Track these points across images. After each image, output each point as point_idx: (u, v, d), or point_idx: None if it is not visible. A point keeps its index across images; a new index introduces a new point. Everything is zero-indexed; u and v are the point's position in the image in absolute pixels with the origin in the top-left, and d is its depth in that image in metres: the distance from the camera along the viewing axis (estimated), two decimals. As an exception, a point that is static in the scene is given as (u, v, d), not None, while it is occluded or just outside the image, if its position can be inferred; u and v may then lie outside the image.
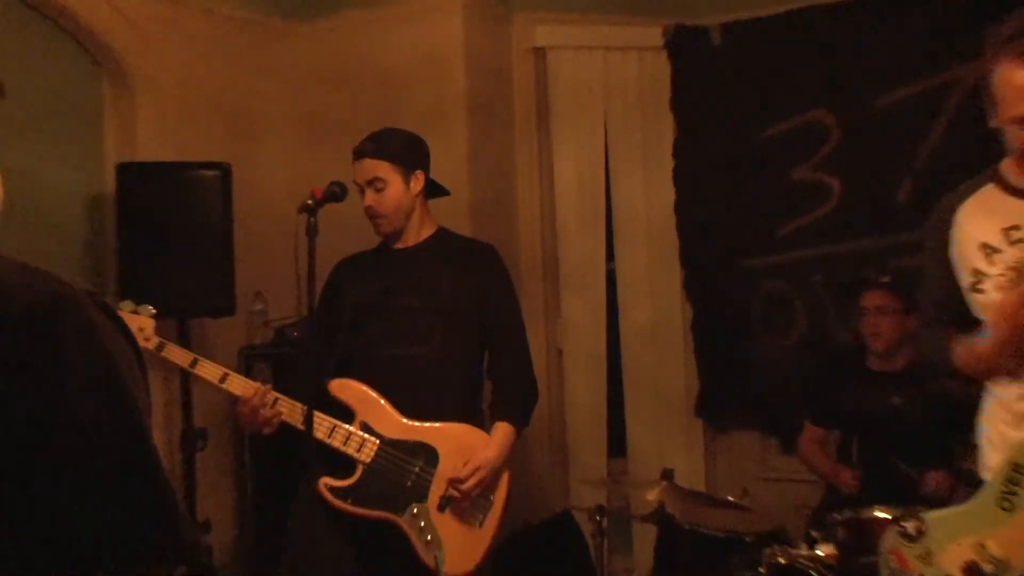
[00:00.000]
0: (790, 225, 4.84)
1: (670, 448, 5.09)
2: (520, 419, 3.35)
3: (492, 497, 3.23)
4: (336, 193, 3.10)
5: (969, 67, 4.16)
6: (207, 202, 4.37)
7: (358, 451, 3.14)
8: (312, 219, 2.94)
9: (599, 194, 5.19)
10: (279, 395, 3.18)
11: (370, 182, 3.31)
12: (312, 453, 2.99)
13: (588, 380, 5.18)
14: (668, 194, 5.18)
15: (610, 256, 5.21)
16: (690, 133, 5.10)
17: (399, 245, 3.39)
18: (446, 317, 3.29)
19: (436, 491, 3.23)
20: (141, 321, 3.22)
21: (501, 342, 3.38)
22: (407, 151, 3.37)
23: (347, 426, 3.16)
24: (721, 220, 5.04)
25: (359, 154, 3.30)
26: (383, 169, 3.31)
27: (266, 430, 3.20)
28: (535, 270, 5.20)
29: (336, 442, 3.15)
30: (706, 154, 5.06)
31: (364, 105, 5.02)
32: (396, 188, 3.32)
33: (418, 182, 3.37)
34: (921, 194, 4.40)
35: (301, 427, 3.06)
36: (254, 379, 3.38)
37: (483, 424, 3.33)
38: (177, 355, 3.20)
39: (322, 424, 3.16)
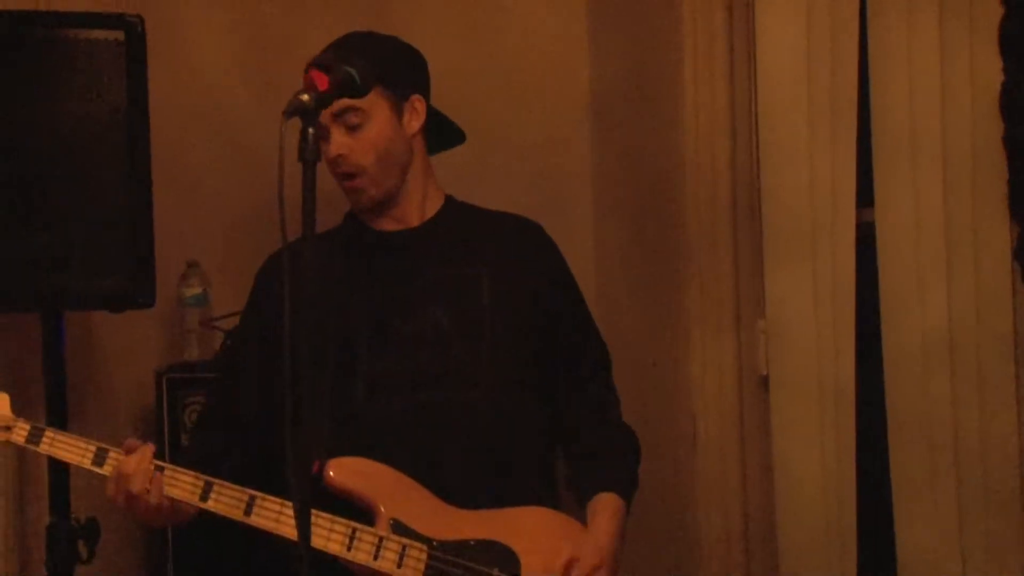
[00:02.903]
0: None
1: (987, 565, 3.21)
2: (629, 485, 2.63)
3: None
4: (353, 79, 2.17)
5: None
6: (99, 90, 2.87)
7: (399, 566, 2.46)
8: (311, 130, 2.03)
9: (846, 81, 3.18)
10: (170, 466, 2.41)
11: (338, 116, 2.49)
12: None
13: (819, 434, 3.23)
14: (987, 73, 3.06)
15: (866, 198, 3.22)
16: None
17: (392, 225, 2.61)
18: (495, 338, 2.57)
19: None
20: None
21: (578, 373, 2.66)
22: (396, 63, 2.57)
23: (371, 529, 2.46)
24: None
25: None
26: None
27: (154, 519, 2.42)
28: (712, 226, 3.34)
29: (360, 556, 2.43)
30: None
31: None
32: (382, 123, 2.52)
33: (417, 114, 2.58)
34: None
35: (243, 518, 2.38)
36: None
37: (559, 506, 2.63)
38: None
39: (328, 529, 2.41)
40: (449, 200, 2.65)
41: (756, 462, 3.27)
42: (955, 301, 3.08)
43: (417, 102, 2.57)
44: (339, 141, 2.49)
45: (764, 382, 3.25)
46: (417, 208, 2.60)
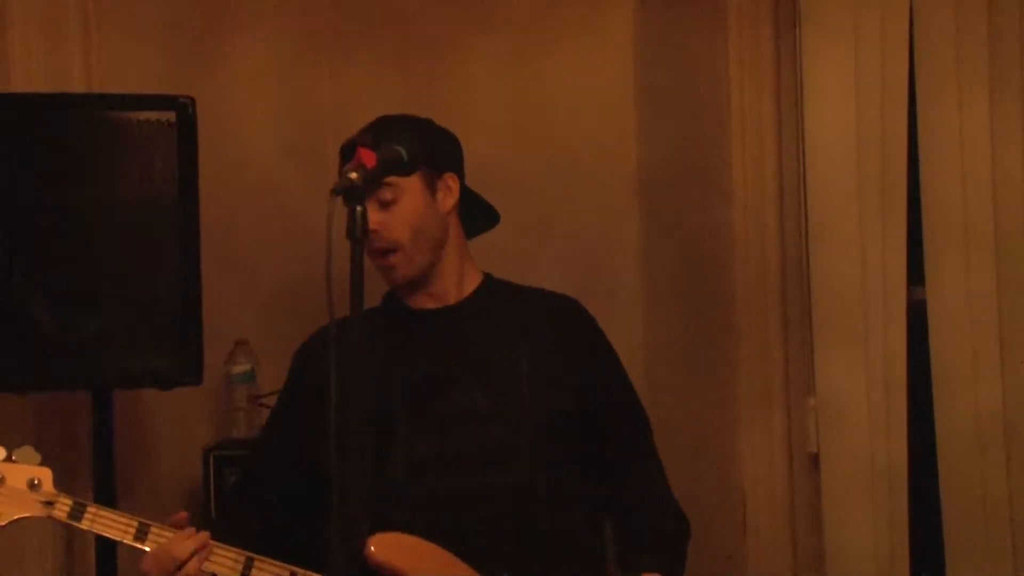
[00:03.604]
0: None
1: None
2: (674, 566, 2.54)
3: None
4: (401, 157, 2.18)
5: None
6: (151, 171, 2.83)
7: None
8: (359, 209, 2.01)
9: (895, 158, 3.10)
10: (222, 546, 2.36)
11: (371, 192, 2.45)
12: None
13: (872, 513, 3.12)
14: None
15: (917, 277, 3.14)
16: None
17: (429, 303, 2.58)
18: (534, 419, 2.49)
19: None
20: (30, 472, 2.34)
21: (623, 453, 2.60)
22: (429, 142, 2.51)
23: None
24: None
25: (351, 151, 2.29)
26: None
27: None
28: (762, 304, 3.28)
29: None
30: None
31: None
32: (415, 199, 2.50)
33: (450, 191, 2.56)
34: None
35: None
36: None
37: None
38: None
39: None
40: (487, 278, 2.61)
41: (807, 541, 3.18)
42: (1009, 379, 3.01)
43: (451, 180, 2.54)
44: (373, 217, 2.42)
45: (815, 460, 3.16)
46: (454, 286, 2.57)
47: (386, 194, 2.46)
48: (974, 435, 3.02)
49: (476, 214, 2.63)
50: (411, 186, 2.48)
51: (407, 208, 2.48)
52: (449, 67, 3.30)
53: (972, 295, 3.02)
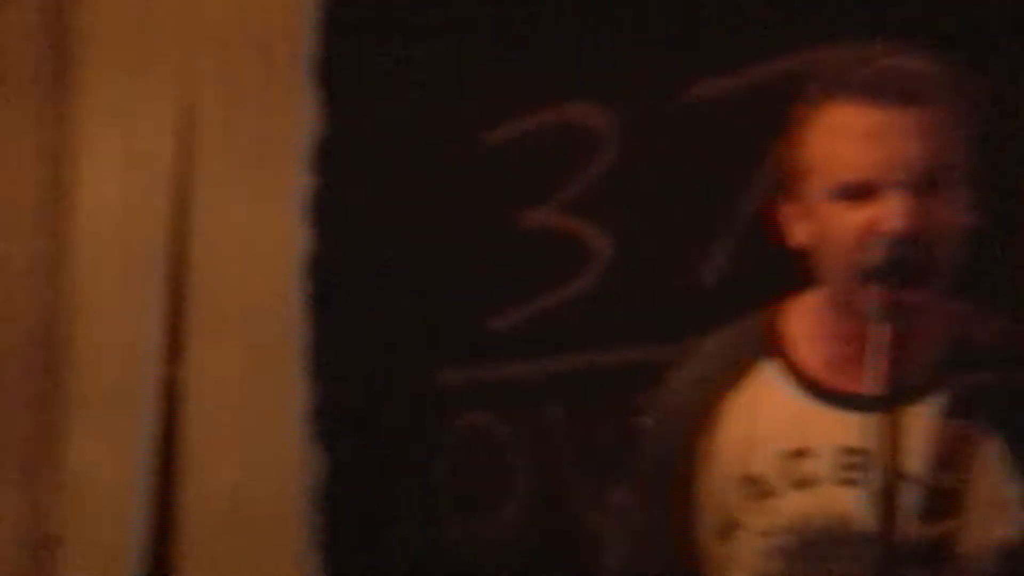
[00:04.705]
0: (513, 312, 3.10)
1: None
2: None
3: None
4: None
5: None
6: None
7: None
8: None
9: (161, 237, 3.17)
10: None
11: None
12: None
13: None
14: (296, 239, 3.15)
15: (176, 356, 3.21)
16: (344, 126, 3.14)
17: None
18: None
19: None
20: None
21: None
22: None
23: None
24: (389, 292, 3.15)
25: None
26: None
27: None
28: (13, 378, 3.21)
29: None
30: (371, 166, 3.16)
31: None
32: None
33: None
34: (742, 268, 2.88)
35: None
36: None
37: None
38: None
39: None
40: None
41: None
42: (249, 461, 3.08)
43: None
44: None
45: (56, 541, 3.10)
46: None
47: None
48: (215, 516, 3.06)
49: None
50: None
51: None
52: None
53: (224, 373, 3.09)
